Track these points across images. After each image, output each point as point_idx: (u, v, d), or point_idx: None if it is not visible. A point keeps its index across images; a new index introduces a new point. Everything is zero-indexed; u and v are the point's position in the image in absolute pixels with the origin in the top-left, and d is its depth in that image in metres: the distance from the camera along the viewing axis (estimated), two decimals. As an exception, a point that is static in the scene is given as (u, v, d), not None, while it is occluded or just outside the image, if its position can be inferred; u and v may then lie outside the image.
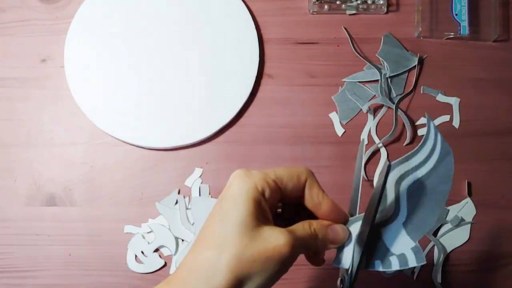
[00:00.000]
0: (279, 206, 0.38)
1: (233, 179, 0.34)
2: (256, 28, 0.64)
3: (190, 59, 0.63)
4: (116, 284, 0.58)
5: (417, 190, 0.36)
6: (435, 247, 0.59)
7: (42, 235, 0.59)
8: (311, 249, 0.35)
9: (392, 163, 0.35)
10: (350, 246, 0.36)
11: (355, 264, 0.36)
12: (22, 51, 0.64)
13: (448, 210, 0.60)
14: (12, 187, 0.60)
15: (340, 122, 0.63)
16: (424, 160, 0.36)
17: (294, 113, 0.63)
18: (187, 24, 0.64)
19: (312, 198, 0.36)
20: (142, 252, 0.58)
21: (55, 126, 0.62)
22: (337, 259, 0.37)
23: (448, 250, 0.60)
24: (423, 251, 0.59)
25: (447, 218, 0.60)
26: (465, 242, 0.60)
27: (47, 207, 0.60)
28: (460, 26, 0.65)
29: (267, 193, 0.33)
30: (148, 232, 0.59)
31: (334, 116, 0.63)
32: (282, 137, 0.62)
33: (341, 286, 0.37)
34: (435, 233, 0.60)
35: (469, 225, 0.60)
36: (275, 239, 0.32)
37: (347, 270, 0.36)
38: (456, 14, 0.65)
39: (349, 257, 0.36)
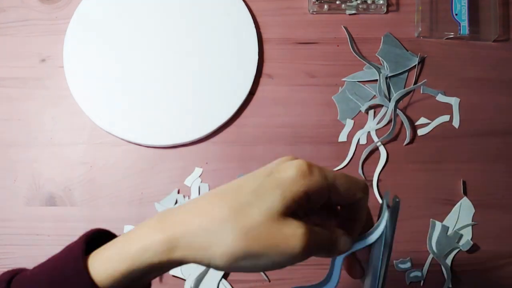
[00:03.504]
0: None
1: (291, 165, 0.32)
2: (256, 28, 0.64)
3: (190, 58, 0.63)
4: (116, 284, 0.58)
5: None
6: (443, 269, 0.59)
7: (42, 235, 0.59)
8: (325, 253, 0.33)
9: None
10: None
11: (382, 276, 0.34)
12: (22, 51, 0.64)
13: (461, 235, 0.60)
14: (12, 187, 0.60)
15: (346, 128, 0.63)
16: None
17: (293, 113, 0.63)
18: (187, 24, 0.64)
19: (355, 218, 0.34)
20: (142, 252, 0.58)
21: (55, 126, 0.62)
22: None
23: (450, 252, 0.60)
24: (424, 265, 0.60)
25: (460, 243, 0.59)
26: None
27: (47, 207, 0.60)
28: (460, 26, 0.65)
29: (312, 198, 0.32)
30: (148, 232, 0.59)
31: (349, 123, 0.62)
32: (281, 137, 0.62)
33: None
34: (444, 256, 0.60)
35: (470, 227, 0.60)
36: (292, 230, 0.30)
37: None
38: (456, 14, 0.65)
39: None
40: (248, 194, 0.30)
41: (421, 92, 0.64)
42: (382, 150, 0.62)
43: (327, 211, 0.36)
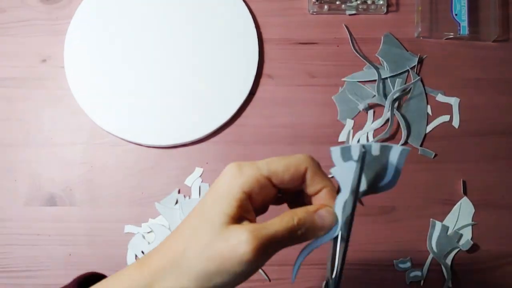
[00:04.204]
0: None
1: (224, 173, 0.33)
2: (256, 28, 0.64)
3: (190, 58, 0.63)
4: (116, 284, 0.58)
5: None
6: (443, 269, 0.59)
7: (42, 235, 0.59)
8: (294, 242, 0.33)
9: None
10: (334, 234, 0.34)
11: (340, 260, 0.34)
12: (22, 51, 0.64)
13: (461, 235, 0.60)
14: (12, 187, 0.60)
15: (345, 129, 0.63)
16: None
17: (294, 113, 0.63)
18: (187, 24, 0.64)
19: (312, 185, 0.34)
20: (142, 252, 0.58)
21: (55, 126, 0.62)
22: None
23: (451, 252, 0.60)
24: (425, 266, 0.60)
25: (460, 243, 0.60)
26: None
27: (47, 207, 0.60)
28: (459, 26, 0.65)
29: (255, 192, 0.32)
30: (148, 232, 0.59)
31: (349, 123, 0.62)
32: (282, 137, 0.62)
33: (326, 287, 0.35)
34: (444, 256, 0.60)
35: (470, 226, 0.60)
36: (235, 238, 0.30)
37: (331, 271, 0.34)
38: (456, 14, 0.65)
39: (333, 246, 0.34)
40: (195, 218, 0.33)
41: (419, 92, 0.64)
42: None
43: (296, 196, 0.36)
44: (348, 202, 0.34)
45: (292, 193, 0.35)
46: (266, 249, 0.31)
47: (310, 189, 0.34)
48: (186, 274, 0.31)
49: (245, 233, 0.30)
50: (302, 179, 0.34)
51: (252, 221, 0.33)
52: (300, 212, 0.33)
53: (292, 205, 0.36)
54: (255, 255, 0.30)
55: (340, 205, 0.34)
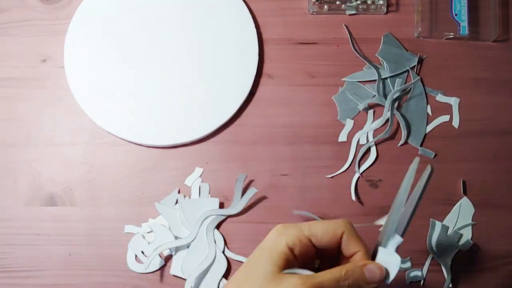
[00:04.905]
0: (316, 261, 0.40)
1: (271, 232, 0.38)
2: (256, 28, 0.64)
3: (190, 58, 0.63)
4: (116, 284, 0.58)
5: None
6: (443, 269, 0.59)
7: (42, 235, 0.59)
8: None
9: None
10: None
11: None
12: (22, 51, 0.64)
13: (461, 235, 0.60)
14: (12, 187, 0.60)
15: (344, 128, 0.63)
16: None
17: (294, 113, 0.63)
18: (187, 24, 0.64)
19: (347, 248, 0.38)
20: (142, 252, 0.58)
21: (55, 126, 0.62)
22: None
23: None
24: (423, 266, 0.60)
25: (460, 243, 0.60)
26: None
27: (47, 207, 0.60)
28: (459, 26, 0.65)
29: (296, 250, 0.37)
30: (148, 232, 0.59)
31: (349, 123, 0.62)
32: (281, 137, 0.62)
33: None
34: (444, 256, 0.59)
35: (470, 226, 0.60)
36: (288, 283, 0.34)
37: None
38: (456, 14, 0.65)
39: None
40: (247, 269, 0.37)
41: (419, 92, 0.64)
42: (373, 149, 0.62)
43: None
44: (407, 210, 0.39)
45: (331, 263, 0.39)
46: None
47: (346, 251, 0.38)
48: None
49: (295, 279, 0.34)
50: (339, 242, 0.38)
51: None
52: (349, 265, 0.37)
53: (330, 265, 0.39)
54: None
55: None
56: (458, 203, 0.61)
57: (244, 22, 0.64)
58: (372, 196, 0.61)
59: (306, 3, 0.66)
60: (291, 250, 0.36)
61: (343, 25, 0.65)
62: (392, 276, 0.37)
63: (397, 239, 0.38)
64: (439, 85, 0.64)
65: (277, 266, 0.35)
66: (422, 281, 0.59)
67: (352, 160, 0.61)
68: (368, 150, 0.62)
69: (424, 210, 0.61)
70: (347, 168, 0.61)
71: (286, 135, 0.62)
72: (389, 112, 0.62)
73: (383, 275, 0.37)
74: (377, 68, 0.63)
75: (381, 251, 0.38)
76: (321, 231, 0.37)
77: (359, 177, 0.61)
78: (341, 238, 0.38)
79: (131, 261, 0.58)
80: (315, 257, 0.40)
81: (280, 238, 0.37)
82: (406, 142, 0.62)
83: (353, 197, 0.60)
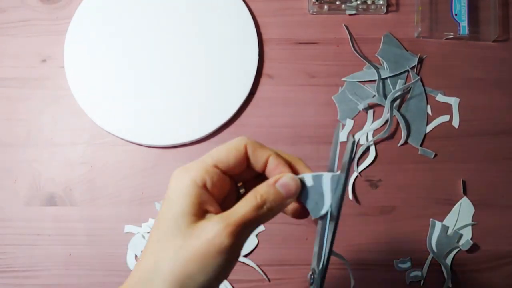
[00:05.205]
0: (240, 185, 0.36)
1: (171, 180, 0.33)
2: (256, 28, 0.64)
3: (190, 58, 0.63)
4: (116, 284, 0.58)
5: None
6: (443, 269, 0.59)
7: (42, 235, 0.59)
8: (267, 218, 0.33)
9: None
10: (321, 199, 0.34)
11: (328, 247, 0.33)
12: (22, 51, 0.64)
13: (461, 235, 0.60)
14: (12, 187, 0.60)
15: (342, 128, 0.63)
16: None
17: (294, 113, 0.63)
18: (187, 24, 0.64)
19: (258, 161, 0.34)
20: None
21: (55, 126, 0.62)
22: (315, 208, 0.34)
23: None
24: (424, 266, 0.60)
25: (459, 243, 0.60)
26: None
27: (47, 207, 0.60)
28: (459, 26, 0.65)
29: (209, 183, 0.32)
30: (148, 232, 0.59)
31: (349, 123, 0.62)
32: (281, 137, 0.62)
33: (312, 279, 0.35)
34: (444, 256, 0.60)
35: (470, 226, 0.60)
36: (208, 231, 0.30)
37: (317, 262, 0.34)
38: (456, 14, 0.65)
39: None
40: (158, 230, 0.32)
41: (419, 92, 0.64)
42: (372, 149, 0.62)
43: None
44: (340, 179, 0.34)
45: (253, 184, 0.35)
46: (240, 233, 0.31)
47: (257, 165, 0.34)
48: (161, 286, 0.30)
49: (216, 225, 0.30)
50: (245, 158, 0.34)
51: (217, 211, 0.32)
52: (260, 188, 0.33)
53: None
54: (232, 241, 0.30)
55: (328, 179, 0.34)
56: (458, 203, 0.61)
57: (244, 22, 0.64)
58: (372, 196, 0.61)
59: (306, 3, 0.66)
60: (202, 186, 0.32)
61: (343, 25, 0.65)
62: (308, 181, 0.34)
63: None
64: (439, 85, 0.64)
65: (191, 215, 0.31)
66: (422, 281, 0.59)
67: (352, 159, 0.61)
68: (367, 149, 0.62)
69: (424, 210, 0.61)
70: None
71: (286, 135, 0.62)
72: (389, 112, 0.62)
73: (299, 184, 0.33)
74: (377, 68, 0.63)
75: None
76: (224, 153, 0.33)
77: (357, 176, 0.61)
78: (246, 153, 0.34)
79: (131, 261, 0.58)
80: (236, 191, 0.36)
81: (184, 180, 0.32)
82: (406, 142, 0.62)
83: (350, 196, 0.60)
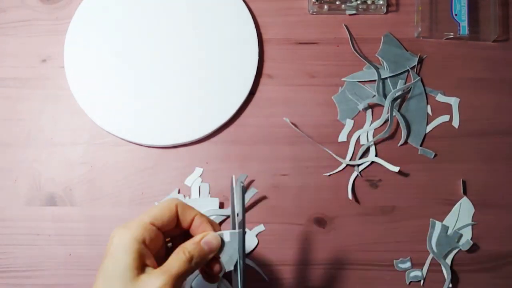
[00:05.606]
0: (168, 241, 0.43)
1: (112, 236, 0.37)
2: (256, 28, 0.64)
3: (190, 58, 0.63)
4: (116, 284, 0.58)
5: None
6: (443, 269, 0.59)
7: (42, 235, 0.59)
8: (194, 270, 0.38)
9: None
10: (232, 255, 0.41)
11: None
12: (22, 51, 0.64)
13: (461, 235, 0.60)
14: (12, 187, 0.60)
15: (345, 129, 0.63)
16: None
17: (294, 113, 0.63)
18: (187, 24, 0.64)
19: (185, 219, 0.40)
20: (142, 252, 0.58)
21: (55, 126, 0.62)
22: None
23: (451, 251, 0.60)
24: (424, 267, 0.60)
25: (459, 243, 0.60)
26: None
27: (47, 207, 0.60)
28: (459, 26, 0.65)
29: (147, 239, 0.37)
30: (148, 232, 0.59)
31: (349, 123, 0.62)
32: (282, 137, 0.62)
33: None
34: (444, 256, 0.60)
35: (470, 226, 0.60)
36: (152, 285, 0.35)
37: None
38: (456, 14, 0.65)
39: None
40: (103, 285, 0.35)
41: (419, 92, 0.64)
42: (372, 149, 0.62)
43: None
44: (239, 235, 0.40)
45: (183, 240, 0.41)
46: (178, 284, 0.36)
47: (184, 223, 0.41)
48: None
49: (158, 280, 0.35)
50: (176, 216, 0.40)
51: (154, 265, 0.37)
52: (189, 245, 0.39)
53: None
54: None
55: (235, 236, 0.41)
56: (458, 203, 0.61)
57: (244, 22, 0.64)
58: (372, 196, 0.61)
59: (306, 3, 0.66)
60: (142, 242, 0.37)
61: (343, 25, 0.65)
62: (226, 237, 0.40)
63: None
64: (439, 85, 0.64)
65: (134, 269, 0.35)
66: (422, 281, 0.59)
67: (351, 159, 0.61)
68: (368, 149, 0.62)
69: (424, 210, 0.61)
70: (345, 167, 0.61)
71: (286, 135, 0.62)
72: (389, 112, 0.62)
73: (219, 241, 0.40)
74: (377, 68, 0.63)
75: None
76: (159, 211, 0.39)
77: (357, 176, 0.61)
78: (176, 212, 0.40)
79: (131, 261, 0.58)
80: (165, 240, 0.41)
81: (125, 236, 0.36)
82: (406, 142, 0.62)
83: (350, 196, 0.60)
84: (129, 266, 0.35)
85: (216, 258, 0.41)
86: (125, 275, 0.35)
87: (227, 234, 0.40)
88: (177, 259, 0.37)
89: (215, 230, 0.41)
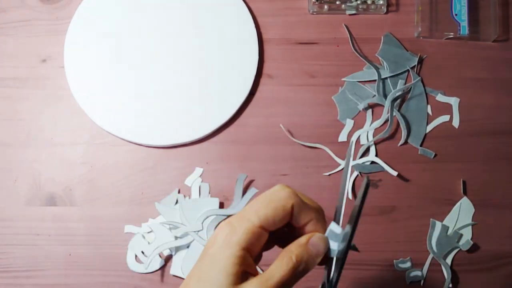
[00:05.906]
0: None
1: (216, 233, 0.33)
2: (256, 28, 0.64)
3: (190, 58, 0.63)
4: (116, 284, 0.58)
5: None
6: (443, 269, 0.59)
7: (42, 235, 0.59)
8: (299, 278, 0.34)
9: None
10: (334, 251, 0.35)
11: (335, 275, 0.34)
12: (22, 51, 0.64)
13: (461, 235, 0.60)
14: (12, 187, 0.60)
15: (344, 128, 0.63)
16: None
17: (294, 113, 0.63)
18: (187, 24, 0.64)
19: (299, 221, 0.34)
20: (142, 252, 0.58)
21: (55, 126, 0.62)
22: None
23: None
24: (424, 266, 0.60)
25: (459, 243, 0.60)
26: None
27: (47, 207, 0.60)
28: (459, 26, 0.65)
29: (252, 244, 0.33)
30: (148, 232, 0.59)
31: (349, 123, 0.62)
32: (282, 137, 0.62)
33: None
34: (444, 256, 0.60)
35: (470, 226, 0.60)
36: None
37: (328, 277, 0.35)
38: (456, 14, 0.65)
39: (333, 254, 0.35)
40: (198, 284, 0.32)
41: (419, 92, 0.64)
42: (372, 149, 0.62)
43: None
44: (346, 234, 0.34)
45: (281, 232, 0.35)
46: (284, 286, 0.32)
47: (297, 224, 0.34)
48: None
49: (257, 285, 0.31)
50: (290, 216, 0.34)
51: (255, 273, 0.33)
52: (295, 249, 0.33)
53: (281, 242, 0.36)
54: None
55: (337, 234, 0.35)
56: (458, 203, 0.61)
57: (244, 22, 0.64)
58: (372, 196, 0.61)
59: (306, 3, 0.66)
60: (246, 249, 0.32)
61: (343, 25, 0.65)
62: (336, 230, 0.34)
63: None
64: (439, 85, 0.64)
65: (233, 276, 0.31)
66: (422, 281, 0.59)
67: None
68: (368, 149, 0.62)
69: (424, 210, 0.61)
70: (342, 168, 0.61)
71: (286, 135, 0.62)
72: (389, 112, 0.62)
73: (327, 243, 0.34)
74: (377, 68, 0.63)
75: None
76: (272, 213, 0.33)
77: (357, 176, 0.61)
78: (291, 211, 0.33)
79: (131, 261, 0.58)
80: (267, 239, 0.35)
81: (230, 241, 0.32)
82: (406, 142, 0.62)
83: (350, 195, 0.60)
84: (229, 272, 0.31)
85: None
86: (224, 281, 0.31)
87: (337, 229, 0.34)
88: (281, 266, 0.32)
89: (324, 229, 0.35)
